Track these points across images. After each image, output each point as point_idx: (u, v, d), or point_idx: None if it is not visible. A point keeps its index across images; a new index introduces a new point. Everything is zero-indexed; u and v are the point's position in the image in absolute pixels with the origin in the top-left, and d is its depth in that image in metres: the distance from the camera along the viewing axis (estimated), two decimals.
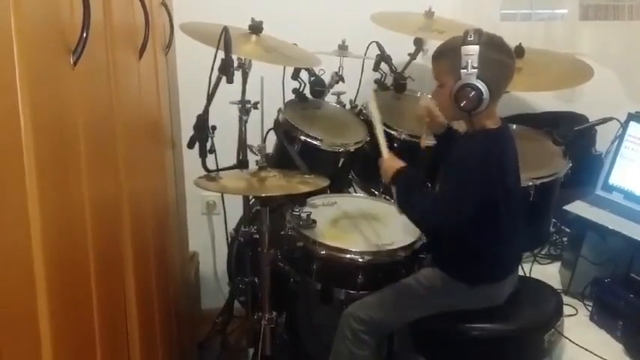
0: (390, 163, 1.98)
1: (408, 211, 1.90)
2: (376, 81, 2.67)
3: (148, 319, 1.76)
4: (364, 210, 2.36)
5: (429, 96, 2.08)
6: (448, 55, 1.85)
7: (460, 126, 2.01)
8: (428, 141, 2.11)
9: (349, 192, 2.63)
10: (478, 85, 1.77)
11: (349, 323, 1.95)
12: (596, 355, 1.94)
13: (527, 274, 2.31)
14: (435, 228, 1.91)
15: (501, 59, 1.84)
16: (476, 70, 1.77)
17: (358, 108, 2.65)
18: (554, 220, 2.59)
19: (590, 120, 2.71)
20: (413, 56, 2.68)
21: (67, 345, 1.00)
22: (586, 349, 1.96)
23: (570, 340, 1.98)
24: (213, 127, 2.09)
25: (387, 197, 2.45)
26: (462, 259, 1.90)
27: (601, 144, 2.67)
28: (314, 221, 2.18)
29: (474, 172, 1.79)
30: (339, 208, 2.37)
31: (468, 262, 1.89)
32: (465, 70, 1.77)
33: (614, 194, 2.37)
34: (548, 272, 2.43)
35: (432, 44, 2.04)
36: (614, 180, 2.39)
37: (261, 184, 2.05)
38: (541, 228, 2.52)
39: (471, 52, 1.77)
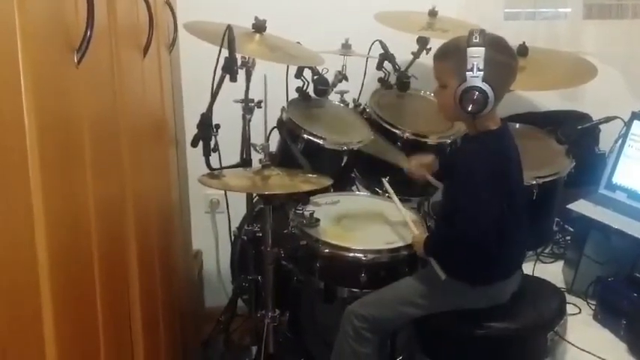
0: (419, 239, 2.01)
1: (452, 256, 1.91)
2: (380, 80, 2.67)
3: (151, 317, 1.77)
4: (367, 208, 2.36)
5: (432, 95, 2.09)
6: (452, 56, 1.83)
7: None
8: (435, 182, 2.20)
9: (352, 190, 2.63)
10: (484, 87, 1.76)
11: (351, 321, 1.96)
12: (598, 355, 1.94)
13: (531, 273, 2.31)
14: (478, 243, 1.81)
15: (506, 61, 1.84)
16: (482, 72, 1.75)
17: (361, 107, 2.66)
18: (557, 219, 2.59)
19: (593, 119, 2.71)
20: (416, 55, 2.68)
21: (71, 344, 1.00)
22: (588, 352, 1.96)
23: (571, 344, 1.98)
24: (217, 126, 2.09)
25: (389, 195, 2.45)
26: (464, 259, 1.89)
27: (604, 143, 2.67)
28: (317, 220, 2.18)
29: (478, 178, 1.79)
30: (342, 207, 2.37)
31: (470, 262, 1.88)
32: (471, 73, 1.76)
33: (617, 193, 2.37)
34: (551, 271, 2.42)
35: (436, 43, 2.03)
36: (617, 179, 2.39)
37: (265, 182, 2.06)
38: (544, 227, 2.52)
39: (477, 54, 1.75)
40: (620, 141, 2.44)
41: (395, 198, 2.26)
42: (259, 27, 2.26)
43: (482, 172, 1.79)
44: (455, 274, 1.90)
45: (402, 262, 2.11)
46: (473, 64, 1.75)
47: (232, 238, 2.68)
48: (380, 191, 2.51)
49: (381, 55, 2.59)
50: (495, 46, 1.80)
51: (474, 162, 1.83)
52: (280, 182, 2.06)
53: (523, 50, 2.48)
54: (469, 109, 1.78)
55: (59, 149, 0.97)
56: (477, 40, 1.76)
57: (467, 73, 1.76)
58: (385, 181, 2.33)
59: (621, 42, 2.98)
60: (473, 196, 1.79)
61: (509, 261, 1.98)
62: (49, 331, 0.88)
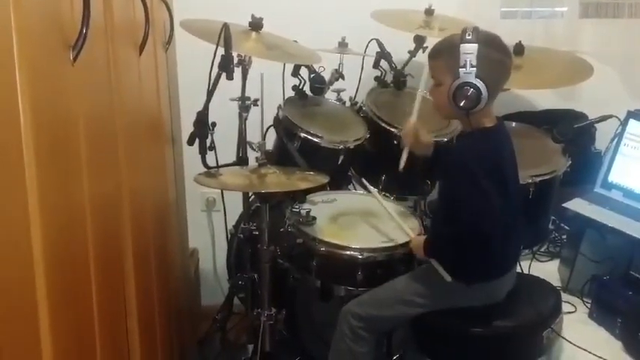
0: (418, 242, 2.00)
1: (453, 255, 1.88)
2: (376, 78, 2.67)
3: (147, 315, 1.77)
4: (363, 207, 2.36)
5: (427, 93, 2.09)
6: (446, 54, 1.84)
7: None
8: (404, 160, 2.10)
9: (348, 189, 2.63)
10: (477, 83, 1.77)
11: (347, 320, 1.95)
12: (594, 353, 1.94)
13: (527, 272, 2.31)
14: (483, 240, 1.80)
15: (499, 58, 1.84)
16: (474, 68, 1.76)
17: (358, 105, 2.65)
18: (553, 217, 2.59)
19: (589, 118, 2.71)
20: (413, 54, 2.68)
21: (67, 342, 1.00)
22: (584, 349, 1.96)
23: (567, 340, 1.98)
24: (213, 124, 2.09)
25: (387, 194, 2.45)
26: (459, 258, 1.89)
27: (600, 142, 2.67)
28: (313, 218, 2.19)
29: (474, 172, 1.78)
30: (338, 205, 2.37)
31: (465, 261, 1.88)
32: (464, 69, 1.76)
33: (613, 192, 2.37)
34: (547, 269, 2.43)
35: (432, 42, 2.03)
36: (613, 177, 2.39)
37: (261, 180, 2.06)
38: (540, 225, 2.52)
39: (470, 50, 1.76)
40: (615, 140, 2.45)
41: (378, 197, 2.25)
42: (256, 25, 2.26)
43: (474, 167, 1.78)
44: (451, 273, 1.90)
45: (398, 260, 2.11)
46: (466, 61, 1.76)
47: (229, 236, 2.68)
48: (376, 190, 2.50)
49: (377, 53, 2.59)
50: (489, 43, 1.80)
51: (466, 157, 1.83)
52: (277, 180, 2.06)
53: (519, 49, 2.48)
54: (461, 104, 1.79)
55: (55, 146, 0.97)
56: (470, 37, 1.77)
57: (460, 69, 1.77)
58: (365, 181, 2.35)
59: (617, 41, 2.99)
60: (473, 189, 1.78)
61: (505, 259, 1.98)
62: (45, 329, 0.88)
